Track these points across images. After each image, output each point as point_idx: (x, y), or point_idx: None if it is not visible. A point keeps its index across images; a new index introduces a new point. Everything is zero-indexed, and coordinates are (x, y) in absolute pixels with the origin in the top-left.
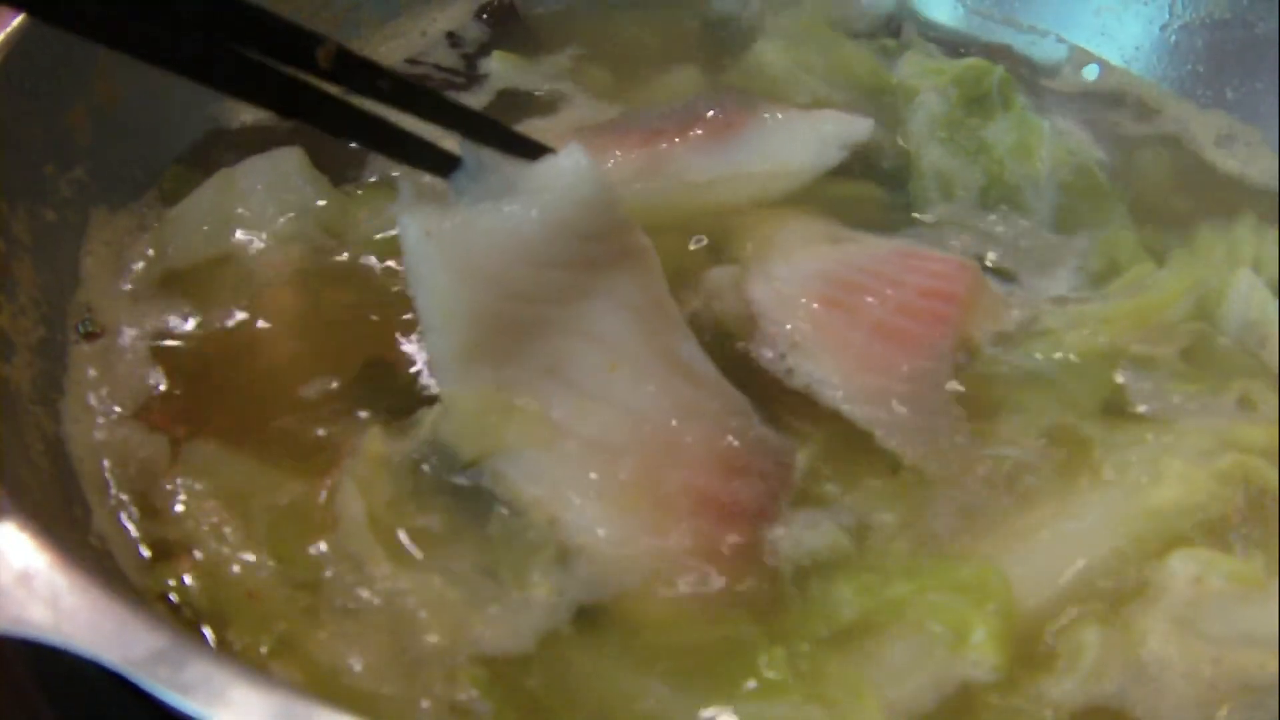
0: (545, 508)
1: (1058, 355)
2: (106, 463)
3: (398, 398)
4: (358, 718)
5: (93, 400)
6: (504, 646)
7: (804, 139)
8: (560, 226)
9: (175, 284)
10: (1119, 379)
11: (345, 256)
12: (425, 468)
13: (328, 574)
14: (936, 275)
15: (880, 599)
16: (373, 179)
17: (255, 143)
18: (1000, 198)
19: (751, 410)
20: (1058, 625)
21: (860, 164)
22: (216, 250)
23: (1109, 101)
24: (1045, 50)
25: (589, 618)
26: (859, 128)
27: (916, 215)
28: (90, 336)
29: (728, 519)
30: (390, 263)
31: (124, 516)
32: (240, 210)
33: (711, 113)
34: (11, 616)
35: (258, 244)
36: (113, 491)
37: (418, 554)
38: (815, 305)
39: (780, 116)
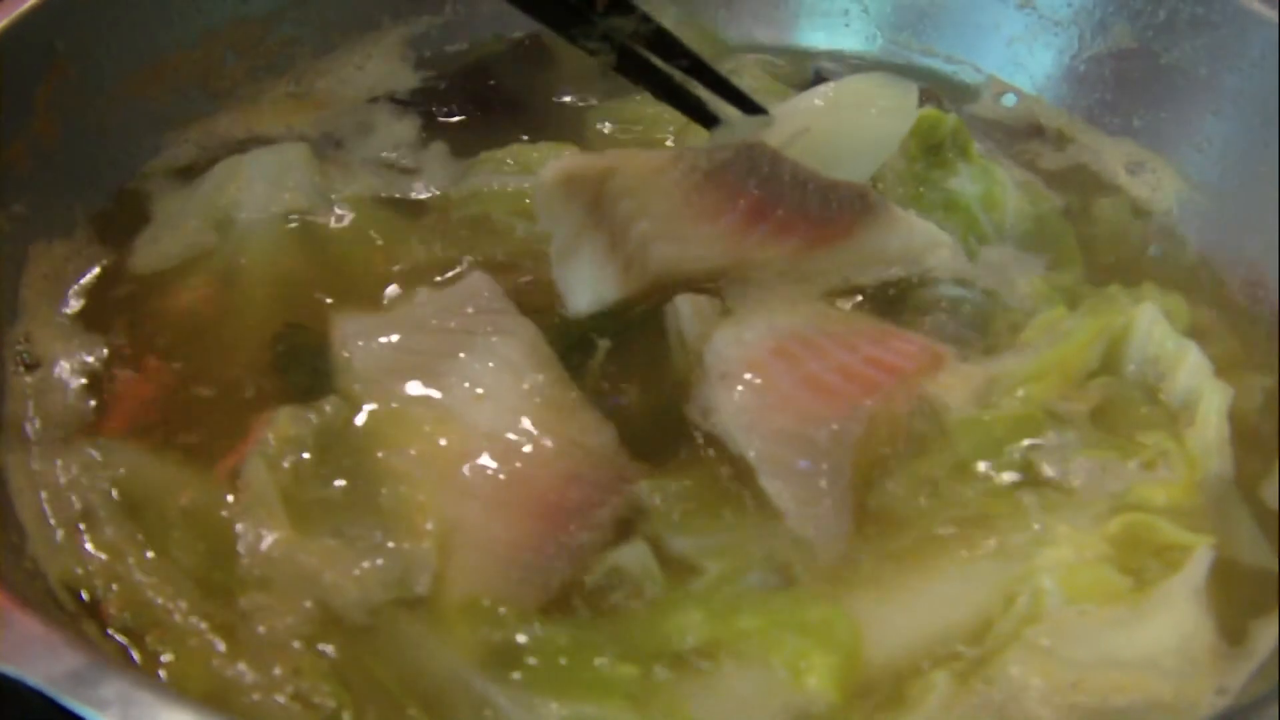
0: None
1: (978, 424)
2: (42, 490)
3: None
4: None
5: (29, 429)
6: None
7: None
8: (443, 312)
9: (134, 289)
10: (1030, 445)
11: (333, 247)
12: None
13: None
14: (895, 351)
15: (726, 629)
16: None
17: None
18: (976, 247)
19: (605, 432)
20: (913, 672)
21: None
22: (207, 235)
23: (1027, 131)
24: (964, 80)
25: (424, 604)
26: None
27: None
28: (29, 367)
29: (561, 521)
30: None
31: (56, 539)
32: (239, 196)
33: (826, 213)
34: None
35: (250, 230)
36: (46, 516)
37: (316, 520)
38: (763, 353)
39: (883, 230)
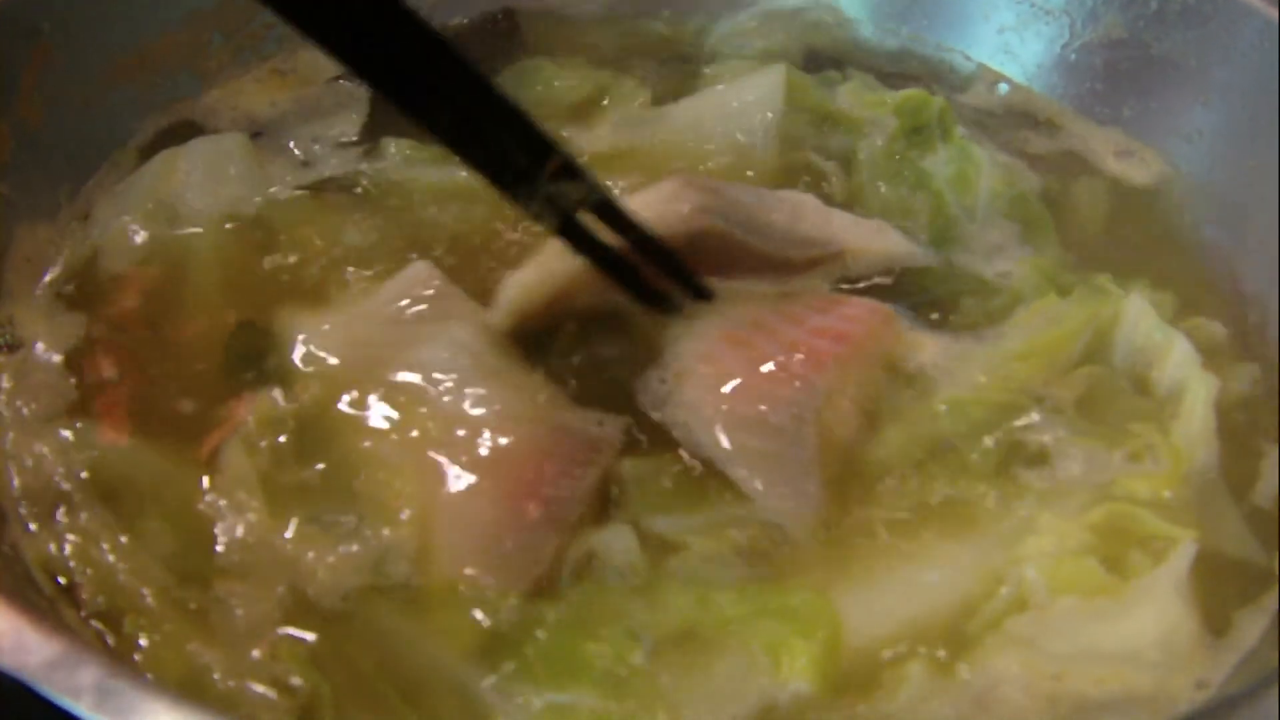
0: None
1: (961, 403)
2: (19, 473)
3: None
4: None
5: (8, 413)
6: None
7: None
8: (392, 302)
9: (96, 279)
10: (1015, 429)
11: (276, 238)
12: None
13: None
14: (842, 317)
15: (706, 615)
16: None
17: None
18: (941, 230)
19: (572, 409)
20: (891, 659)
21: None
22: (150, 228)
23: (1016, 119)
24: (954, 68)
25: (402, 589)
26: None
27: None
28: (10, 348)
29: (537, 500)
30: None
31: (34, 524)
32: (179, 189)
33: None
34: None
35: (193, 222)
36: (24, 501)
37: (293, 505)
38: (716, 342)
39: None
